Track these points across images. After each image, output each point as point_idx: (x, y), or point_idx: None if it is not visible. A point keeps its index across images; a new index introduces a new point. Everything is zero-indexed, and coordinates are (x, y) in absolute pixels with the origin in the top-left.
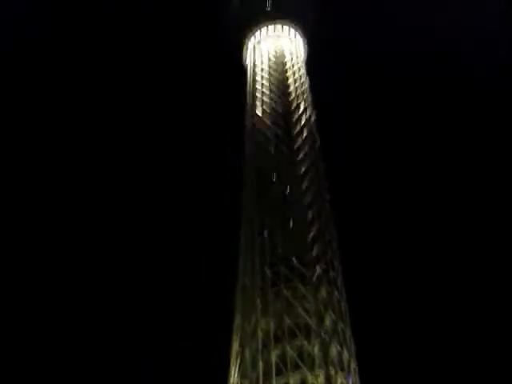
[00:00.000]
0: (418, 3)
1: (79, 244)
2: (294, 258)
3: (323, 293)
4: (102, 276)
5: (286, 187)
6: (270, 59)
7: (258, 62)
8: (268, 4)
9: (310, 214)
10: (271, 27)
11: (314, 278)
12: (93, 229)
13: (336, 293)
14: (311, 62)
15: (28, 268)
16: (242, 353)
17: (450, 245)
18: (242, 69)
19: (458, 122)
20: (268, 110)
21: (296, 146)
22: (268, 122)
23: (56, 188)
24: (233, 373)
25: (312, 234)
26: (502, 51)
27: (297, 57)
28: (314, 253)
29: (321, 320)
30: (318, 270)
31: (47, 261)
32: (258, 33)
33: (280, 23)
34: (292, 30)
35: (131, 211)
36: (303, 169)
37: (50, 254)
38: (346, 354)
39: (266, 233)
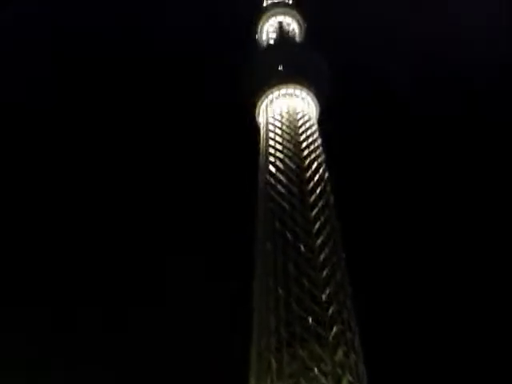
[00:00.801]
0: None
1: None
2: (309, 318)
3: (340, 354)
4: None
5: (301, 245)
6: (282, 118)
7: (270, 121)
8: (280, 65)
9: (324, 272)
10: (283, 87)
11: (331, 339)
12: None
13: (353, 354)
14: (325, 117)
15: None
16: None
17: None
18: (255, 127)
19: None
20: (282, 167)
21: (310, 203)
22: (282, 179)
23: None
24: None
25: (327, 292)
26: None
27: (309, 115)
28: (330, 312)
29: (338, 382)
30: (335, 330)
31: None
32: (270, 93)
33: (292, 84)
34: (304, 90)
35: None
36: (317, 226)
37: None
38: None
39: (280, 291)
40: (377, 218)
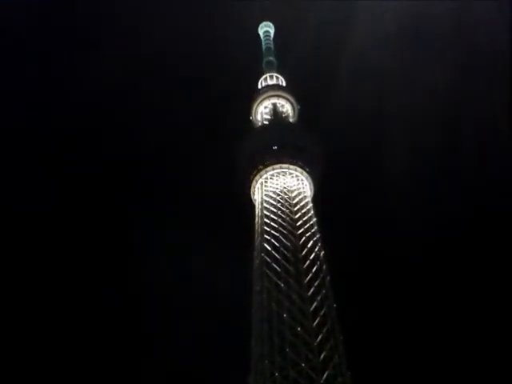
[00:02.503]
0: None
1: None
2: None
3: None
4: None
5: (297, 326)
6: (277, 196)
7: (265, 199)
8: (274, 145)
9: (322, 356)
10: (277, 166)
11: None
12: None
13: None
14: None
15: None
16: None
17: None
18: (251, 205)
19: None
20: (277, 245)
21: (306, 282)
22: (277, 257)
23: None
24: None
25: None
26: None
27: (303, 193)
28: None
29: None
30: None
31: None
32: (264, 172)
33: (286, 163)
34: (298, 169)
35: None
36: (314, 306)
37: None
38: None
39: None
40: (373, 295)
